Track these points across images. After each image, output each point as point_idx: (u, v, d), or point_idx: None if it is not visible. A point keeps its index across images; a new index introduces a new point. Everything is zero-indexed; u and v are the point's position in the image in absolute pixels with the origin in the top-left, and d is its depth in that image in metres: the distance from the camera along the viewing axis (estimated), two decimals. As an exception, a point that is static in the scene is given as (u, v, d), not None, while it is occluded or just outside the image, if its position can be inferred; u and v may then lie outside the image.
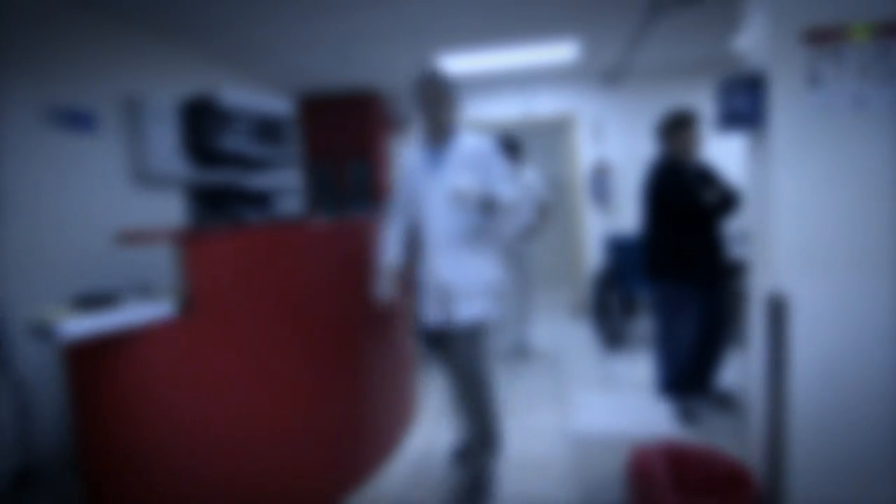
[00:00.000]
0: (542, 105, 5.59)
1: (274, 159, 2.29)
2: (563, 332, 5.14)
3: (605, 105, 5.50)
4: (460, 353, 2.26)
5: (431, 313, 2.32)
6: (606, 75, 5.36)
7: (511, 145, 4.29)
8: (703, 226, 2.83)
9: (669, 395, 3.02)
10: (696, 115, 2.89)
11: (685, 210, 2.77)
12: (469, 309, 2.25)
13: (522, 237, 4.22)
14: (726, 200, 2.82)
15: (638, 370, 3.89)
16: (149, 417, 1.75)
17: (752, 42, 2.05)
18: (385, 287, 2.40)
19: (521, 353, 4.48)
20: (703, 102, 5.20)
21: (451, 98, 2.30)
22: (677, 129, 2.87)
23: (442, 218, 2.25)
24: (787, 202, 1.84)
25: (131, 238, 1.87)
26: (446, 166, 2.26)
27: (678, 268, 2.84)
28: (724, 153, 4.21)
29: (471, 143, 2.29)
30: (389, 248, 2.43)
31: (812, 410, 1.85)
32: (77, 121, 3.01)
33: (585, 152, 5.57)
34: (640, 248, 3.18)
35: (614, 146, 5.51)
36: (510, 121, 5.66)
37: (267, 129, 2.22)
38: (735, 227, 3.38)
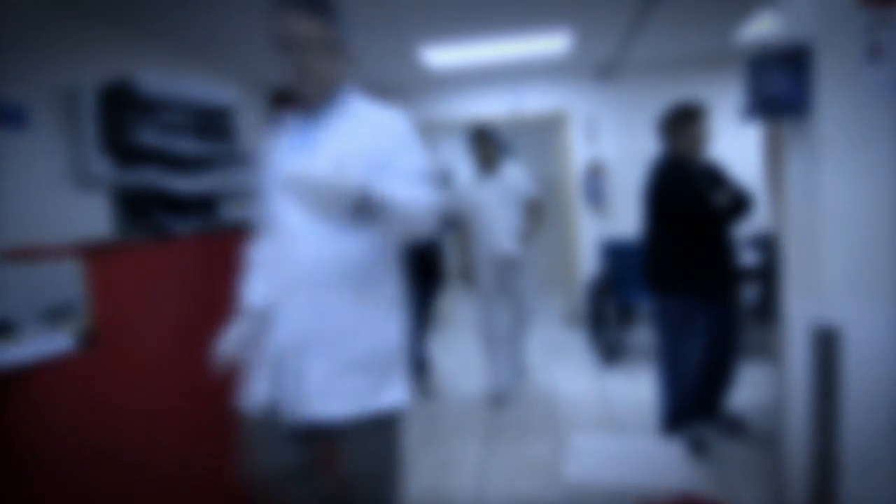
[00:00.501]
0: (533, 101, 5.27)
1: (216, 157, 1.94)
2: (556, 344, 4.80)
3: (600, 101, 5.18)
4: (358, 462, 1.33)
5: (284, 397, 1.35)
6: (601, 69, 5.05)
7: (482, 137, 3.66)
8: (713, 231, 2.51)
9: (677, 428, 2.68)
10: (703, 108, 2.57)
11: (692, 214, 2.44)
12: (364, 390, 1.33)
13: (513, 247, 3.56)
14: (738, 203, 2.49)
15: (638, 388, 3.56)
16: (41, 470, 1.40)
17: (790, 11, 1.68)
18: (233, 341, 1.44)
19: (500, 401, 3.54)
20: (706, 99, 4.89)
21: (335, 29, 1.40)
22: (683, 122, 2.54)
23: (305, 232, 1.32)
24: (838, 211, 1.50)
25: (22, 254, 1.51)
26: (314, 144, 1.39)
27: (684, 279, 2.51)
28: (732, 149, 3.88)
29: (367, 113, 1.44)
30: (252, 283, 1.48)
31: (868, 453, 1.52)
32: (5, 116, 2.64)
33: (578, 151, 5.24)
34: (640, 256, 2.86)
35: (609, 145, 5.19)
36: (498, 118, 5.33)
37: (204, 121, 1.87)
38: (746, 231, 3.07)
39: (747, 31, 4.32)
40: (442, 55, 4.35)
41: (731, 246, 2.59)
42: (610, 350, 4.13)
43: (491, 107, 5.32)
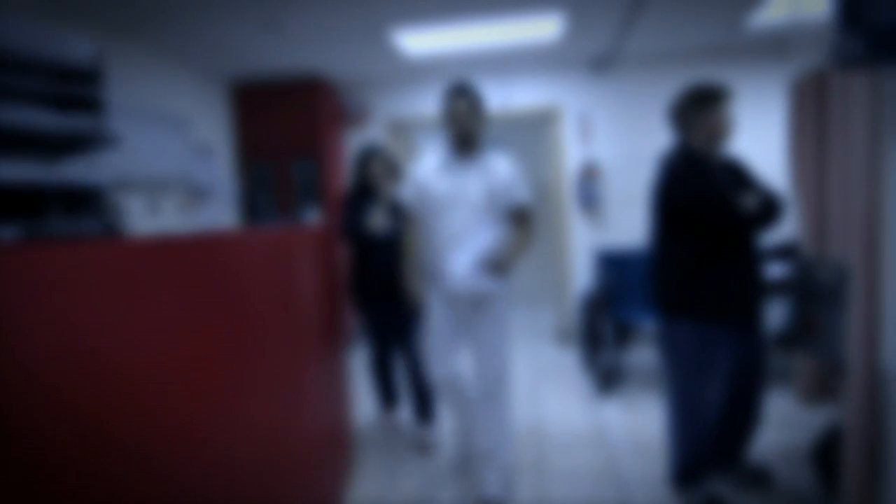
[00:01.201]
0: (522, 96, 4.78)
1: (81, 135, 1.42)
2: (545, 365, 4.29)
3: (595, 96, 4.70)
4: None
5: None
6: (596, 61, 4.57)
7: (462, 92, 2.45)
8: (739, 242, 2.01)
9: (690, 483, 2.17)
10: (726, 90, 2.07)
11: (715, 220, 1.95)
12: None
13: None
14: (769, 207, 2.00)
15: (639, 421, 3.06)
16: None
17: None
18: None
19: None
20: None
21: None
22: (701, 108, 2.04)
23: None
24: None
25: None
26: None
27: (701, 300, 2.01)
28: (747, 148, 3.39)
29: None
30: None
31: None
32: None
33: (571, 152, 4.76)
34: (642, 270, 2.36)
35: (605, 145, 4.71)
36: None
37: (56, 85, 1.35)
38: (770, 239, 2.58)
39: (760, 17, 3.87)
40: (418, 41, 3.85)
41: (758, 259, 2.10)
42: (606, 376, 3.63)
43: (475, 102, 4.82)
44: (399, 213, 2.73)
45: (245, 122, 4.69)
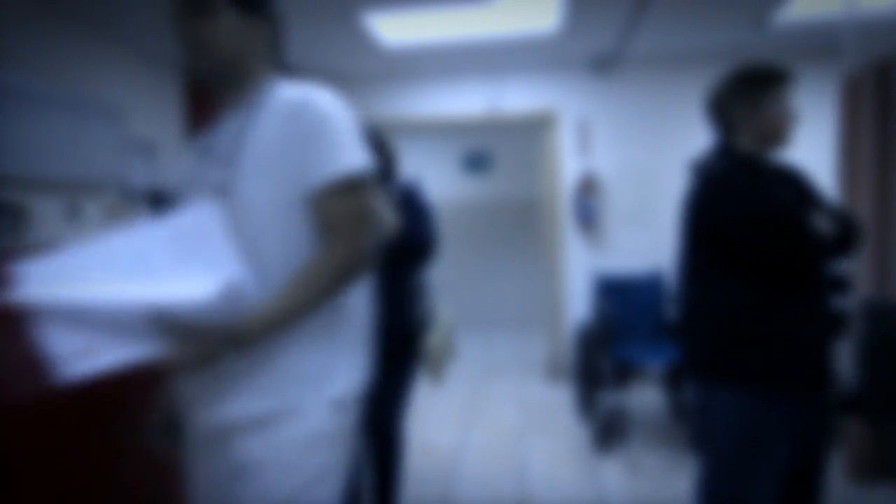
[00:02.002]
0: (514, 98, 4.25)
1: None
2: (534, 406, 3.70)
3: (596, 101, 4.18)
4: None
5: None
6: (598, 61, 4.05)
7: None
8: (808, 278, 1.45)
9: None
10: (788, 71, 1.52)
11: (784, 248, 1.38)
12: None
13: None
14: (848, 232, 1.44)
15: (645, 489, 2.47)
16: None
17: None
18: None
19: None
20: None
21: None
22: (756, 95, 1.48)
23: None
24: None
25: None
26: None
27: (760, 361, 1.43)
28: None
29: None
30: None
31: None
32: None
33: (568, 162, 4.22)
34: (679, 315, 1.78)
35: (606, 156, 4.18)
36: (470, 118, 4.30)
37: None
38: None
39: (784, 15, 3.37)
40: (395, 28, 3.31)
41: (829, 302, 1.53)
42: (606, 428, 3.04)
43: (462, 102, 4.29)
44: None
45: (199, 118, 4.11)
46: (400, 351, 1.97)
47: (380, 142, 1.99)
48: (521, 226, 6.36)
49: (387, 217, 1.72)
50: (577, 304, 4.18)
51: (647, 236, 4.10)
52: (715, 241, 1.46)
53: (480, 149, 6.43)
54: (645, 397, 3.68)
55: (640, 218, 4.12)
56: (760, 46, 3.86)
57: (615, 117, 4.16)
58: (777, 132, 1.48)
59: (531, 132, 4.94)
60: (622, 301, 3.47)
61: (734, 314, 1.44)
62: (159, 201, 1.99)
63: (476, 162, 6.44)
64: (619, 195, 4.16)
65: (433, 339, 2.05)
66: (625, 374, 3.45)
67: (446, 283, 6.45)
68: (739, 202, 1.40)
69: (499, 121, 4.29)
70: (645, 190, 4.11)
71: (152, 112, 3.77)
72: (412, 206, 1.95)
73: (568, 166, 4.21)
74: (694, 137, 4.11)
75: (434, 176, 6.50)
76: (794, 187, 1.55)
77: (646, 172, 4.12)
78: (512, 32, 3.48)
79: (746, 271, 1.42)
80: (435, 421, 3.47)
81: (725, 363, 1.47)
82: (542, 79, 4.21)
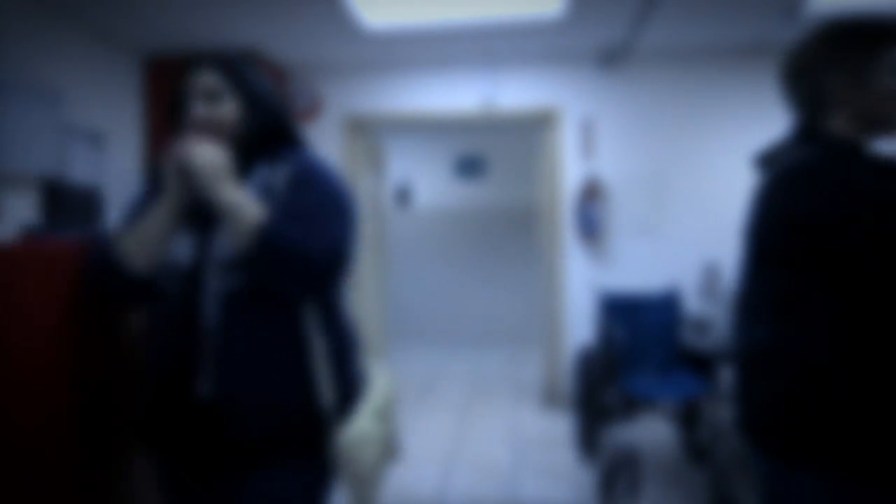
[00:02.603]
0: (510, 93, 3.84)
1: None
2: (527, 438, 3.27)
3: (601, 98, 3.77)
4: None
5: None
6: (605, 54, 3.66)
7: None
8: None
9: None
10: None
11: None
12: None
13: None
14: None
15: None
16: None
17: None
18: None
19: None
20: (758, 104, 3.54)
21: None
22: (863, 58, 1.05)
23: None
24: None
25: None
26: None
27: (869, 437, 0.98)
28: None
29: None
30: None
31: None
32: None
33: (570, 165, 3.81)
34: (738, 361, 1.32)
35: (611, 159, 3.77)
36: (463, 114, 3.89)
37: None
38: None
39: (814, 5, 2.99)
40: (379, 9, 2.90)
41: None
42: (612, 474, 2.60)
43: (453, 98, 3.88)
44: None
45: (160, 106, 3.68)
46: (294, 452, 1.08)
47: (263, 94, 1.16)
48: (517, 234, 5.94)
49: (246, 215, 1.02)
50: (578, 324, 3.76)
51: (655, 250, 3.69)
52: (808, 259, 1.02)
53: (473, 151, 6.02)
54: (652, 432, 3.25)
55: (648, 229, 3.71)
56: (787, 39, 3.47)
57: (622, 116, 3.75)
58: (888, 112, 1.06)
59: (528, 133, 4.54)
60: (630, 323, 3.04)
61: (836, 365, 1.00)
62: (55, 194, 1.54)
63: (469, 165, 6.03)
64: (625, 203, 3.75)
65: (357, 432, 1.10)
66: (632, 406, 3.02)
67: (433, 295, 6.02)
68: (847, 202, 0.96)
69: (494, 118, 3.88)
70: (654, 198, 3.71)
71: (102, 97, 3.33)
72: (309, 195, 1.11)
73: (569, 170, 3.80)
74: (710, 141, 3.72)
75: (424, 180, 6.08)
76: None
77: (655, 178, 3.71)
78: (510, 17, 3.07)
79: (858, 303, 0.98)
80: (413, 458, 3.02)
81: (819, 437, 1.02)
82: (543, 72, 3.80)
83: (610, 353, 2.84)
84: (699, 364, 2.85)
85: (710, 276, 3.38)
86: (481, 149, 6.01)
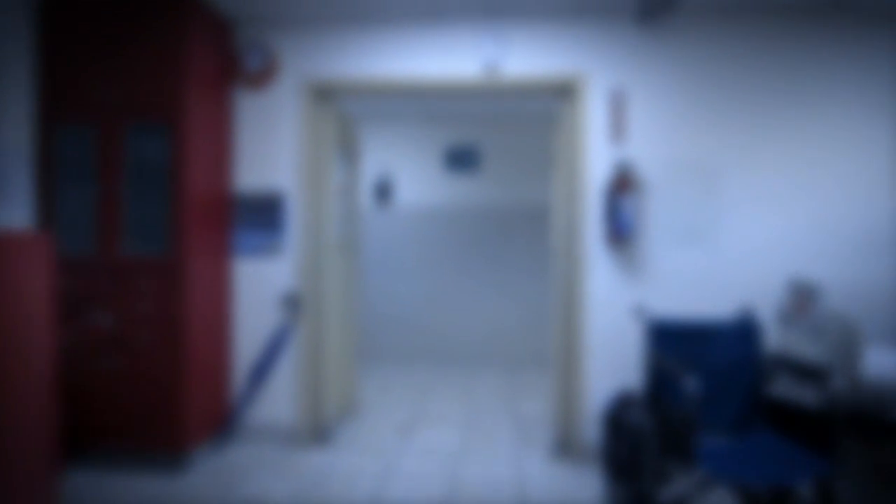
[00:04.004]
0: (520, 58, 3.01)
1: None
2: (532, 497, 2.41)
3: (638, 63, 2.96)
4: None
5: None
6: (644, 7, 2.84)
7: None
8: None
9: None
10: None
11: None
12: None
13: None
14: None
15: None
16: None
17: None
18: None
19: None
20: (824, 71, 2.76)
21: None
22: None
23: None
24: None
25: None
26: None
27: None
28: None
29: None
30: None
31: None
32: None
33: (596, 151, 2.98)
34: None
35: (650, 142, 2.95)
36: (457, 83, 3.05)
37: None
38: None
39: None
40: None
41: None
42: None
43: (448, 61, 3.03)
44: None
45: (55, 58, 2.78)
46: None
47: None
48: (516, 239, 5.10)
49: None
50: (602, 355, 2.92)
51: (706, 261, 2.87)
52: None
53: (466, 141, 5.18)
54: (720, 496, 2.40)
55: (696, 234, 2.89)
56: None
57: (664, 88, 2.94)
58: None
59: (543, 108, 3.66)
60: (687, 360, 2.20)
61: None
62: None
63: (461, 157, 5.18)
64: (665, 200, 2.93)
65: None
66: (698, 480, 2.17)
67: (418, 308, 5.15)
68: None
69: (498, 88, 3.03)
70: (704, 194, 2.90)
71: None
72: None
73: (595, 156, 2.97)
74: (781, 120, 2.81)
75: (408, 173, 5.22)
76: None
77: (706, 169, 2.90)
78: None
79: None
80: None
81: None
82: (562, 29, 2.97)
83: (676, 413, 1.98)
84: (787, 420, 2.02)
85: (800, 298, 2.54)
86: (475, 138, 5.17)
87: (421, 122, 5.18)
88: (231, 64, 3.08)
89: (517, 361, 5.03)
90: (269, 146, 3.11)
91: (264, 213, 3.12)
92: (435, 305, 5.14)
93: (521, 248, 5.07)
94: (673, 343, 2.23)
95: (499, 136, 5.14)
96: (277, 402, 3.12)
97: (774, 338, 2.59)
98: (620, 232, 2.87)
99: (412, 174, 5.22)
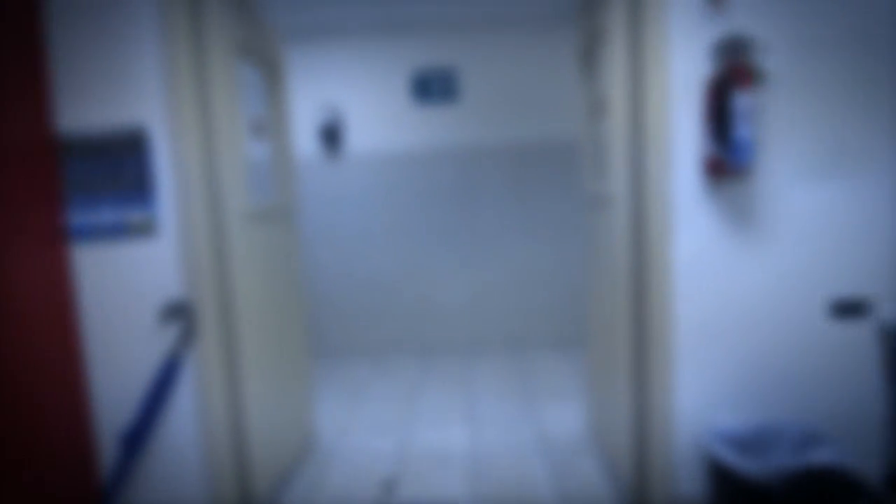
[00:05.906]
0: None
1: None
2: None
3: None
4: None
5: None
6: None
7: None
8: None
9: None
10: None
11: None
12: None
13: None
14: None
15: None
16: None
17: None
18: None
19: None
20: None
21: None
22: None
23: None
24: None
25: None
26: None
27: None
28: None
29: None
30: None
31: None
32: None
33: (682, 28, 1.75)
34: None
35: (780, 5, 1.74)
36: None
37: None
38: None
39: None
40: None
41: None
42: None
43: None
44: None
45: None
46: None
47: None
48: (510, 187, 3.90)
49: None
50: (696, 360, 1.79)
51: (863, 204, 1.74)
52: None
53: (439, 63, 3.87)
54: None
55: (863, 153, 1.74)
56: None
57: None
58: None
59: (530, 24, 2.30)
60: None
61: None
62: None
63: (433, 84, 3.88)
64: (802, 99, 1.75)
65: None
66: None
67: (391, 287, 3.95)
68: None
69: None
70: (870, 84, 1.73)
71: None
72: None
73: (678, 35, 1.75)
74: None
75: (363, 109, 3.89)
76: None
77: (860, 49, 1.73)
78: None
79: None
80: None
81: None
82: None
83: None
84: None
85: None
86: (451, 58, 3.86)
87: (377, 35, 3.82)
88: None
89: (522, 343, 3.92)
90: (116, 51, 1.76)
91: (119, 169, 1.80)
92: (411, 281, 3.94)
93: (522, 200, 3.88)
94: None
95: (483, 50, 3.84)
96: (178, 470, 1.89)
97: None
98: (734, 158, 1.69)
99: (369, 110, 3.90)
